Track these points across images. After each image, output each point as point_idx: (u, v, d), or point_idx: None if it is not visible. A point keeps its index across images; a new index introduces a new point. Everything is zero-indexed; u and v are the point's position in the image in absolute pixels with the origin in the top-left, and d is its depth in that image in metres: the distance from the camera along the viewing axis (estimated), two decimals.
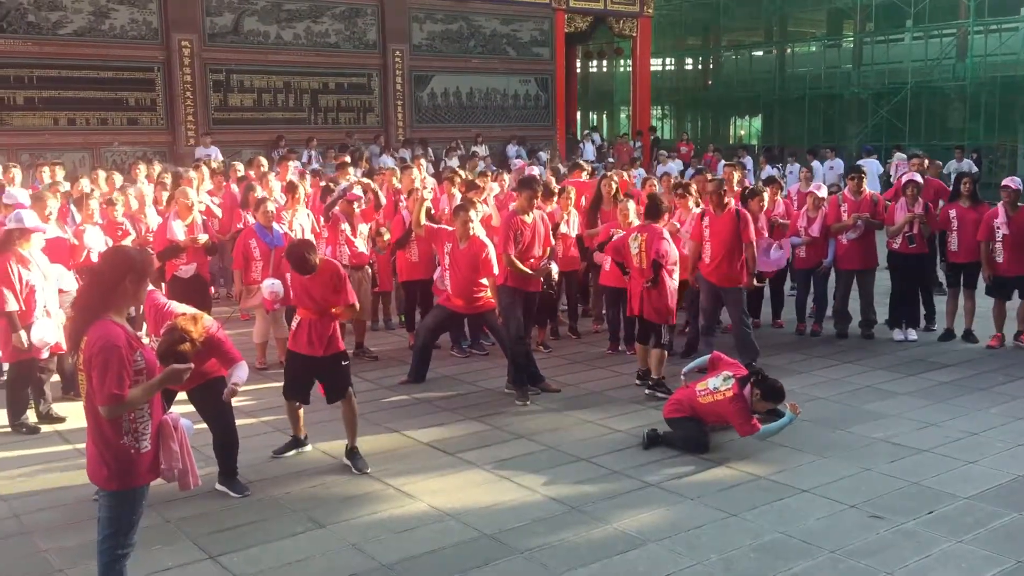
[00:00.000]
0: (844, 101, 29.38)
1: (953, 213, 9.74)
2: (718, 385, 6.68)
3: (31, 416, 7.34)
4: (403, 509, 5.72)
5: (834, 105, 29.62)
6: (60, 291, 7.74)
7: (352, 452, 6.45)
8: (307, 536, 5.36)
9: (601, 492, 5.94)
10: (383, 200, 10.25)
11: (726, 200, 8.69)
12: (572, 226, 9.90)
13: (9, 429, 7.20)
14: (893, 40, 28.78)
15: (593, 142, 25.67)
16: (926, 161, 12.10)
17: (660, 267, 7.81)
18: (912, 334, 9.92)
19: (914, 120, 26.31)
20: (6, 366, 7.54)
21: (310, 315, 6.40)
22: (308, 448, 6.77)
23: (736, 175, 10.76)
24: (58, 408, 7.51)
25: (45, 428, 7.28)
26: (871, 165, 19.78)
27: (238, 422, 6.23)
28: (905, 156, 14.95)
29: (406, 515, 5.63)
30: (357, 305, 6.67)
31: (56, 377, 7.82)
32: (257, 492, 5.97)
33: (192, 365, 4.13)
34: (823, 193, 10.39)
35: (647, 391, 8.03)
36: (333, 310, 6.42)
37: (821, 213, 10.02)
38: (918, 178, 10.04)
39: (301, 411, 6.69)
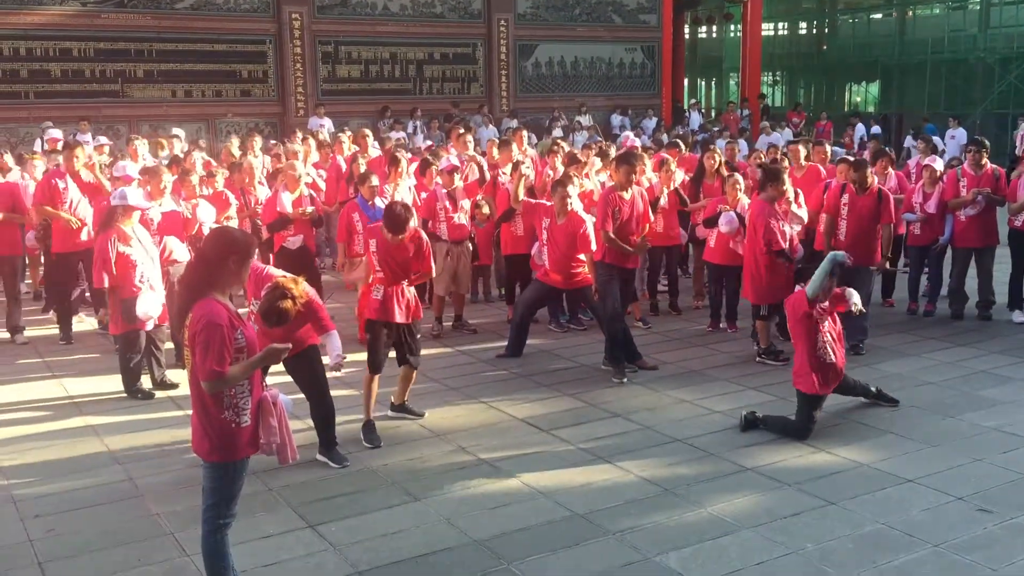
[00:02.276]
0: (969, 66, 27.96)
1: None
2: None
3: (146, 382, 7.69)
4: (496, 485, 5.77)
5: (958, 71, 28.22)
6: (175, 261, 8.06)
7: (404, 407, 6.90)
8: (403, 509, 5.47)
9: (696, 475, 5.87)
10: (487, 175, 10.28)
11: (869, 181, 8.45)
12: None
13: (126, 395, 7.56)
14: (1023, 2, 27.18)
15: (700, 112, 25.17)
16: None
17: (778, 253, 7.87)
18: None
19: None
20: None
21: (392, 283, 6.52)
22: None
23: (803, 151, 10.42)
24: (171, 375, 7.84)
25: (159, 394, 7.62)
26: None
27: (338, 393, 6.38)
28: None
29: (499, 491, 5.68)
30: (433, 272, 6.97)
31: (170, 344, 8.16)
32: (356, 463, 6.12)
33: (290, 345, 4.23)
34: (940, 166, 9.95)
35: (757, 359, 8.19)
36: (412, 275, 6.63)
37: (938, 188, 9.59)
38: None
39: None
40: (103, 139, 14.40)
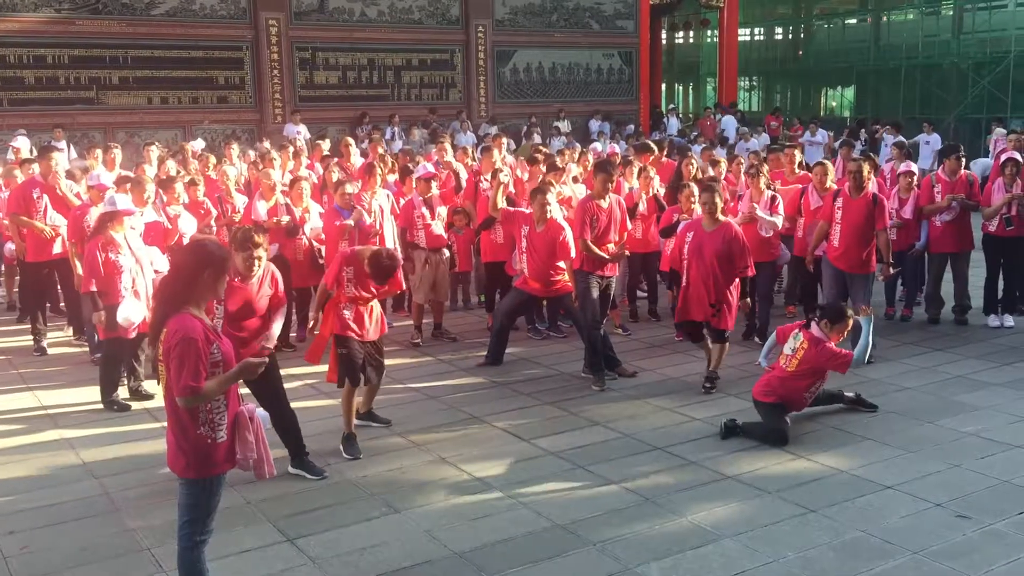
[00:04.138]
0: (942, 71, 28.20)
1: None
2: (793, 346, 6.64)
3: (122, 393, 7.60)
4: (476, 496, 5.74)
5: (932, 76, 28.46)
6: (156, 272, 7.99)
7: (370, 414, 6.87)
8: (382, 521, 5.42)
9: (676, 483, 5.86)
10: (463, 183, 10.26)
11: (864, 184, 8.42)
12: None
13: (101, 406, 7.47)
14: (996, 7, 27.44)
15: (678, 117, 25.27)
16: None
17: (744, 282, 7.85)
18: (1008, 320, 9.53)
19: (1017, 92, 25.10)
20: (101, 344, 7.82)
21: (363, 304, 6.51)
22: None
23: (799, 156, 10.51)
24: (147, 386, 7.74)
25: (135, 405, 7.52)
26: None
27: (316, 404, 6.33)
28: (1005, 131, 14.29)
29: (479, 502, 5.65)
30: (403, 286, 7.20)
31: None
32: (334, 475, 6.06)
33: (267, 360, 4.19)
34: (916, 169, 10.03)
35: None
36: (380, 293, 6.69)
37: (913, 194, 9.66)
38: (1018, 156, 9.58)
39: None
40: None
